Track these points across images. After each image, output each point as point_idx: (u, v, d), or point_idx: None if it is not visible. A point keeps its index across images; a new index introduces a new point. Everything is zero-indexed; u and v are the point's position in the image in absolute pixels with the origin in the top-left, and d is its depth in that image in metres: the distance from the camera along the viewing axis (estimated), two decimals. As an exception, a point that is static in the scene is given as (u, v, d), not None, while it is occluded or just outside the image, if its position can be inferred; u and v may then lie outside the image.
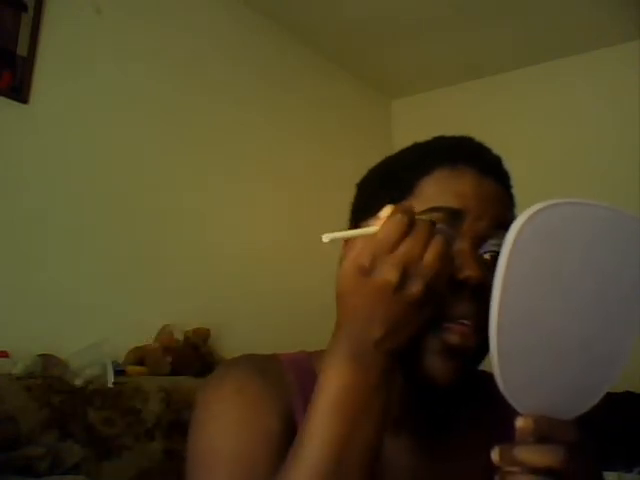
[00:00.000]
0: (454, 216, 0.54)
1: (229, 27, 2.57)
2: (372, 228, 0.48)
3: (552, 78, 2.98)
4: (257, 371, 0.59)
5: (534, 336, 0.44)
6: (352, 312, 0.48)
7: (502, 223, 0.56)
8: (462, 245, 0.54)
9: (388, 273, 0.46)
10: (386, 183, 0.61)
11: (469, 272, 0.52)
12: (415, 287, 0.47)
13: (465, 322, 0.53)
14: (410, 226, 0.48)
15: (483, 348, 0.55)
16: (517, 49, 2.92)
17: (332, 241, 0.48)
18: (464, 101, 3.19)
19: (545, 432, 0.43)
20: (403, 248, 0.47)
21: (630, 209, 0.45)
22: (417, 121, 3.14)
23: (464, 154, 0.59)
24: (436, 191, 0.56)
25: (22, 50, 1.83)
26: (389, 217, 0.48)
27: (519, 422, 0.44)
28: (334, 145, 3.02)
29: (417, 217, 0.49)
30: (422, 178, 0.58)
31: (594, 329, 0.44)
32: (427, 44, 2.90)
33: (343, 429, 0.46)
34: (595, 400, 0.46)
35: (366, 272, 0.47)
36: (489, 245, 0.56)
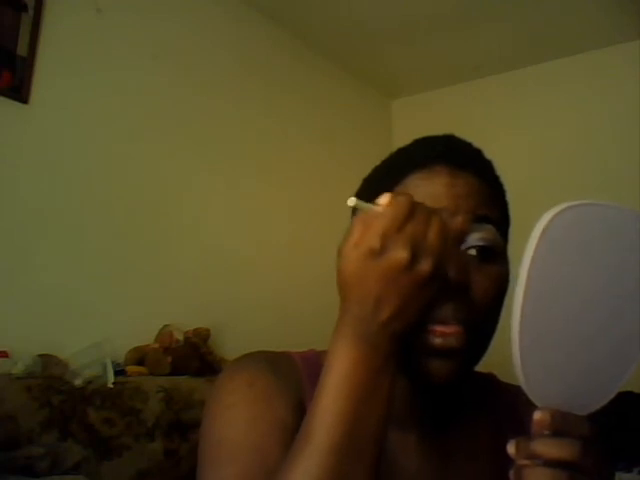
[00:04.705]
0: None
1: (229, 27, 2.57)
2: (379, 207, 0.48)
3: (552, 78, 2.98)
4: (269, 366, 0.60)
5: (553, 331, 0.45)
6: (360, 295, 0.48)
7: (482, 216, 0.56)
8: None
9: (400, 252, 0.47)
10: (368, 195, 0.61)
11: (449, 273, 0.52)
12: (425, 264, 0.47)
13: (448, 323, 0.52)
14: (413, 207, 0.48)
15: (474, 348, 0.55)
16: (517, 49, 2.92)
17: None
18: (464, 101, 3.20)
19: (561, 426, 0.43)
20: (410, 227, 0.47)
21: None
22: (417, 121, 3.14)
23: (437, 154, 0.59)
24: None
25: (22, 50, 1.83)
26: (393, 200, 0.48)
27: (537, 415, 0.44)
28: (334, 145, 3.02)
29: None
30: (396, 187, 0.59)
31: (607, 326, 0.45)
32: (427, 44, 2.91)
33: (353, 406, 0.47)
34: (609, 396, 0.47)
35: (376, 253, 0.47)
36: (472, 240, 0.55)
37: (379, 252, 0.47)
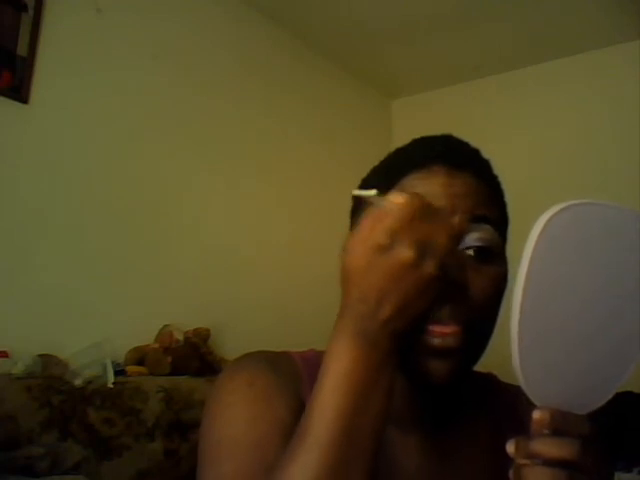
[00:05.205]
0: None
1: (229, 27, 2.58)
2: (391, 204, 0.48)
3: (552, 78, 2.98)
4: (269, 365, 0.60)
5: (552, 330, 0.45)
6: (362, 291, 0.48)
7: (480, 216, 0.56)
8: None
9: (406, 250, 0.47)
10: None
11: (448, 273, 0.51)
12: (429, 265, 0.47)
13: (446, 323, 0.53)
14: (424, 208, 0.48)
15: (472, 348, 0.55)
16: (517, 49, 2.92)
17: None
18: (464, 101, 3.20)
19: (560, 425, 0.43)
20: (420, 227, 0.47)
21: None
22: (417, 121, 3.14)
23: (435, 154, 0.59)
24: None
25: (22, 50, 1.83)
26: (406, 198, 0.48)
27: (536, 414, 0.44)
28: (334, 145, 3.02)
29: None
30: (394, 187, 0.58)
31: (607, 325, 0.46)
32: (427, 44, 2.91)
33: (351, 402, 0.47)
34: (608, 396, 0.47)
35: (383, 249, 0.47)
36: (470, 240, 0.55)
37: (386, 248, 0.47)
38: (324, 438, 0.46)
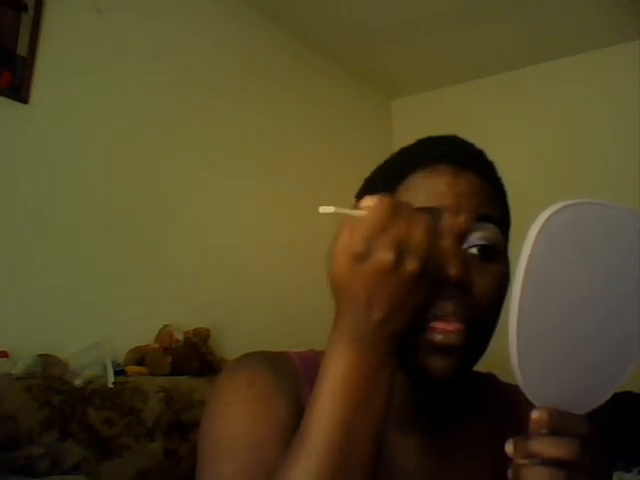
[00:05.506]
0: (430, 215, 0.53)
1: (229, 27, 2.58)
2: (361, 212, 0.48)
3: (552, 78, 2.98)
4: (268, 366, 0.60)
5: (550, 329, 0.45)
6: (351, 299, 0.48)
7: (484, 215, 0.56)
8: (443, 242, 0.54)
9: (384, 254, 0.47)
10: (370, 194, 0.62)
11: (451, 270, 0.52)
12: (411, 264, 0.47)
13: (449, 320, 0.53)
14: (395, 209, 0.48)
15: (474, 346, 0.56)
16: (517, 49, 2.92)
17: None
18: (464, 101, 3.20)
19: (558, 425, 0.44)
20: (393, 228, 0.47)
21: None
22: (417, 121, 3.15)
23: (440, 154, 0.59)
24: (411, 195, 0.57)
25: (22, 50, 1.83)
26: (375, 202, 0.48)
27: (534, 414, 0.44)
28: (334, 145, 3.02)
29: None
30: (398, 186, 0.59)
31: (606, 325, 0.46)
32: (427, 44, 2.91)
33: (350, 406, 0.47)
34: (607, 396, 0.47)
35: (361, 257, 0.47)
36: (474, 239, 0.55)
37: (365, 255, 0.47)
38: (322, 444, 0.46)
